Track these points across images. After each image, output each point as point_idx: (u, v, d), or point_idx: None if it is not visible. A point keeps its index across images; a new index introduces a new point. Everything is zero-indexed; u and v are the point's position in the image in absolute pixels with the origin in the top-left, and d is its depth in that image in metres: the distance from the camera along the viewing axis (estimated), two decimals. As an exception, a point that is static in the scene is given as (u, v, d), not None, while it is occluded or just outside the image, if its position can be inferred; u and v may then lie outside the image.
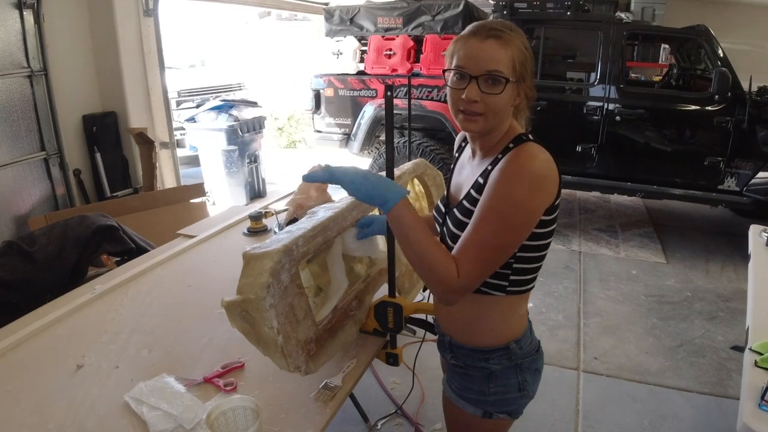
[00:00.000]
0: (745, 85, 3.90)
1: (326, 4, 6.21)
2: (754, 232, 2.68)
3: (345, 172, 1.05)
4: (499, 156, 1.07)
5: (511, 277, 1.12)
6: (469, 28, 1.08)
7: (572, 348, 3.02)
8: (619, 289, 3.78)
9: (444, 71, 1.11)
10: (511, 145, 1.08)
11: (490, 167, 1.07)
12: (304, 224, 1.31)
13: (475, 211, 1.05)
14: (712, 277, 4.01)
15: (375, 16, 4.85)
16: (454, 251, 1.06)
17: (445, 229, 1.20)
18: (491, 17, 4.44)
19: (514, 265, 1.11)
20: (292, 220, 1.86)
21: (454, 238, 1.14)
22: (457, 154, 1.31)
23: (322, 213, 1.39)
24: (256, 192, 5.83)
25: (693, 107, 4.09)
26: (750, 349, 1.69)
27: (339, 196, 1.88)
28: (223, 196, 5.53)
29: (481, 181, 1.09)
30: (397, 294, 1.45)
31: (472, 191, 1.11)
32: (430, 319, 1.45)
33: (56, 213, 3.09)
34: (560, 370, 2.81)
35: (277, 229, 1.88)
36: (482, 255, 1.03)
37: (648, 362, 2.90)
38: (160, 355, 1.45)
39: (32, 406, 1.25)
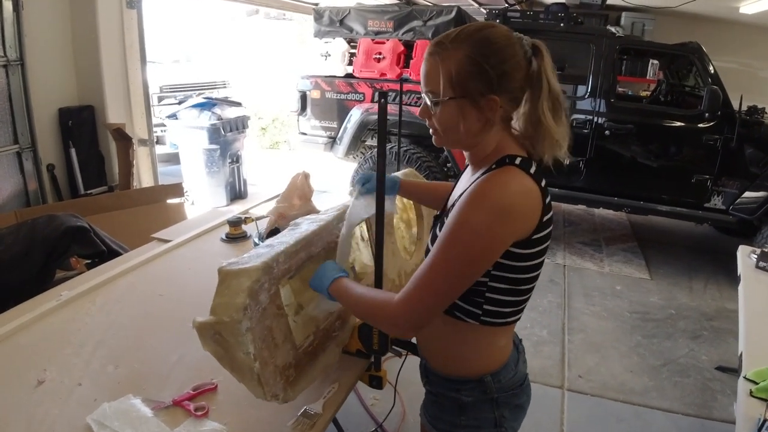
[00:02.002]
0: (734, 104, 3.90)
1: (316, 4, 6.12)
2: (743, 253, 2.65)
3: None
4: (481, 176, 1.01)
5: (485, 306, 1.04)
6: None
7: (556, 365, 2.97)
8: (604, 304, 3.75)
9: None
10: (494, 166, 1.01)
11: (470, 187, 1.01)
12: (286, 238, 1.22)
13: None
14: (695, 294, 4.00)
15: (365, 19, 4.77)
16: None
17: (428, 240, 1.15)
18: (483, 25, 4.39)
19: (487, 294, 1.03)
20: (273, 230, 1.76)
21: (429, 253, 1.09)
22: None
23: (305, 225, 1.30)
24: (236, 193, 5.71)
25: (683, 124, 4.08)
26: (744, 377, 1.64)
27: (324, 206, 1.79)
28: (202, 196, 5.39)
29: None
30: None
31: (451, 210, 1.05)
32: (414, 340, 1.37)
33: (27, 209, 2.95)
34: (544, 388, 2.75)
35: (257, 239, 1.79)
36: (426, 284, 0.97)
37: (632, 381, 2.86)
38: (126, 372, 1.35)
39: (-15, 426, 1.14)
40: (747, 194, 3.96)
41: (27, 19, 3.02)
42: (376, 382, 1.43)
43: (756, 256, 2.54)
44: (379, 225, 1.23)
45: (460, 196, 1.02)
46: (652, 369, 2.99)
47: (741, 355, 1.81)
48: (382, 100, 1.15)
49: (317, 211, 1.82)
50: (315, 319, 1.28)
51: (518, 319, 1.12)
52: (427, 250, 1.11)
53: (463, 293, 1.03)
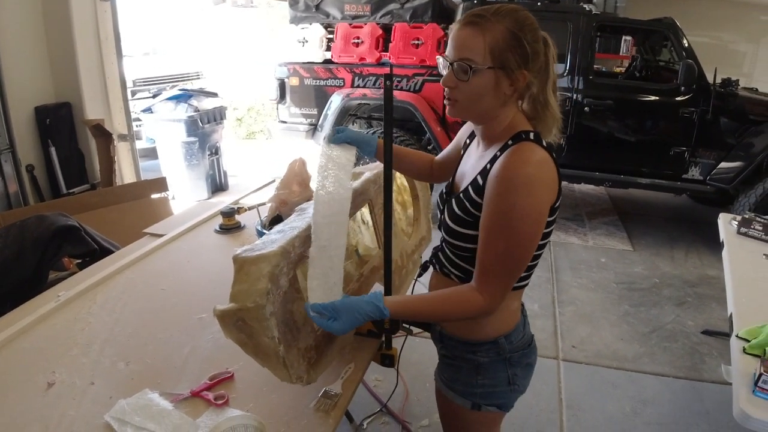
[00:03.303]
0: (709, 77, 3.98)
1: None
2: (725, 220, 2.73)
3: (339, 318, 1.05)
4: (498, 153, 1.05)
5: None
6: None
7: (550, 337, 3.03)
8: (591, 277, 3.83)
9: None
10: (510, 142, 1.05)
11: (489, 165, 1.06)
12: (297, 223, 1.22)
13: (481, 228, 1.04)
14: (677, 263, 4.11)
15: (342, 3, 4.71)
16: (474, 275, 1.07)
17: (443, 216, 1.19)
18: (460, 7, 4.39)
19: None
20: (275, 217, 1.76)
21: (450, 231, 1.14)
22: (468, 141, 1.28)
23: (312, 210, 1.30)
24: (217, 185, 5.65)
25: (660, 98, 4.16)
26: (737, 336, 1.71)
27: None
28: (183, 190, 5.32)
29: (480, 181, 1.07)
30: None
31: (471, 189, 1.09)
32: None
33: (10, 212, 2.88)
34: (540, 359, 2.76)
35: (259, 227, 1.79)
36: (501, 272, 1.05)
37: (624, 349, 2.94)
38: (138, 368, 1.34)
39: (0, 430, 1.13)
40: (723, 164, 4.07)
41: (-3, 16, 2.94)
42: (389, 361, 1.45)
43: (737, 223, 2.61)
44: (387, 205, 1.24)
45: (478, 175, 1.07)
46: (641, 336, 3.08)
47: (731, 315, 1.88)
48: (388, 82, 1.15)
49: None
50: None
51: (527, 284, 1.20)
52: (444, 224, 1.17)
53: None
